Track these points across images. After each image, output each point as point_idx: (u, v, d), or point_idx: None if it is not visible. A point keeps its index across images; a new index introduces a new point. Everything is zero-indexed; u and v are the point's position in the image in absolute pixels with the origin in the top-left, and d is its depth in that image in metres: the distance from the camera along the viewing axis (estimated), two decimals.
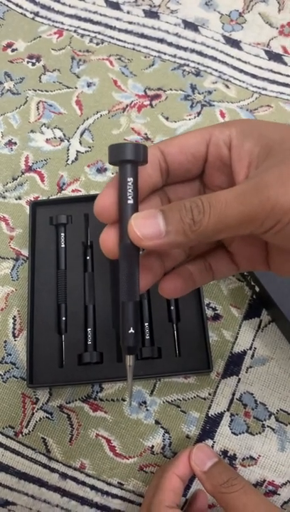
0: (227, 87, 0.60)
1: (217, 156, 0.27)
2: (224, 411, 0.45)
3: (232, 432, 0.44)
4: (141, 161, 0.25)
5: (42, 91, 0.60)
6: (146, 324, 0.46)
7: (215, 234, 0.23)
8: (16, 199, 0.54)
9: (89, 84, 0.61)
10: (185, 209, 0.23)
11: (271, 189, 0.22)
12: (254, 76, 0.61)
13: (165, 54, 0.62)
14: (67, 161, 0.56)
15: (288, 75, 0.60)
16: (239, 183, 0.26)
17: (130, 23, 0.64)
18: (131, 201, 0.25)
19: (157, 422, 0.45)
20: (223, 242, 0.30)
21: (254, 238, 0.27)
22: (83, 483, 0.44)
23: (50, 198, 0.54)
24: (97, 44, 0.63)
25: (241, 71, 0.61)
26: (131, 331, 0.26)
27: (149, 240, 0.23)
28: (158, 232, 0.23)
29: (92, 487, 0.44)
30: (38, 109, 0.59)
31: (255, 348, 0.47)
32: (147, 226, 0.23)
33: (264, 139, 0.25)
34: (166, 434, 0.45)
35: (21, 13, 0.66)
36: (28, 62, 0.63)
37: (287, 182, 0.22)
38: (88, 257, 0.49)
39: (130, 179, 0.25)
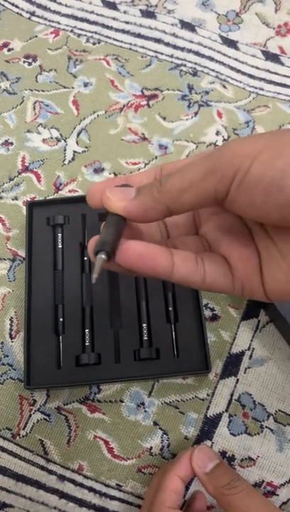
0: (224, 87, 0.60)
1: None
2: (223, 412, 0.45)
3: (230, 433, 0.44)
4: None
5: (38, 91, 0.60)
6: (144, 325, 0.46)
7: (181, 193, 0.23)
8: (13, 199, 0.54)
9: (85, 84, 0.60)
10: (155, 180, 0.24)
11: (232, 142, 0.23)
12: (251, 76, 0.61)
13: (162, 54, 0.62)
14: (63, 161, 0.56)
15: (285, 75, 0.60)
16: None
17: (127, 22, 0.64)
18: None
19: (155, 423, 0.45)
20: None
21: (245, 238, 0.26)
22: (81, 485, 0.44)
23: (47, 198, 0.54)
24: (94, 44, 0.63)
25: (238, 71, 0.61)
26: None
27: (119, 201, 0.24)
28: (128, 195, 0.24)
29: (90, 489, 0.43)
30: (34, 109, 0.59)
31: (253, 349, 0.47)
32: (118, 191, 0.25)
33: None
34: (165, 436, 0.44)
35: (17, 13, 0.66)
36: (24, 61, 0.62)
37: (249, 137, 0.23)
38: (85, 258, 0.49)
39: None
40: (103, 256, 0.23)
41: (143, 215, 0.24)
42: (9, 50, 0.63)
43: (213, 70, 0.61)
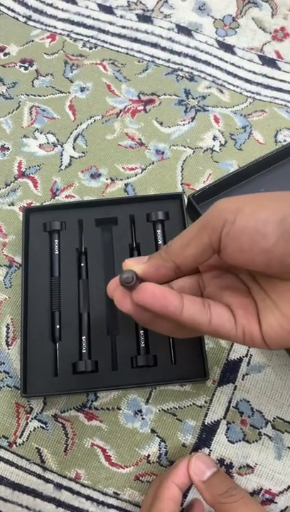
0: (221, 92, 0.60)
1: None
2: (221, 419, 0.45)
3: (228, 440, 0.44)
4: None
5: (35, 96, 0.60)
6: (142, 332, 0.45)
7: (183, 249, 0.28)
8: (9, 205, 0.54)
9: (82, 89, 0.60)
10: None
11: (218, 201, 0.27)
12: (247, 81, 0.60)
13: (158, 59, 0.62)
14: (60, 166, 0.56)
15: (281, 80, 0.60)
16: None
17: (123, 27, 0.64)
18: None
19: (153, 431, 0.44)
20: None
21: (243, 292, 0.30)
22: (78, 494, 0.43)
23: (44, 204, 0.53)
24: (90, 48, 0.63)
25: (235, 76, 0.61)
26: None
27: (136, 264, 0.30)
28: (142, 260, 0.31)
29: (88, 497, 0.43)
30: (30, 114, 0.59)
31: (251, 355, 0.47)
32: (135, 259, 0.32)
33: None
34: (162, 443, 0.44)
35: (13, 17, 0.66)
36: (20, 66, 0.62)
37: (232, 197, 0.28)
38: (82, 264, 0.49)
39: None
40: (129, 275, 0.28)
41: (155, 271, 0.30)
42: (5, 54, 0.63)
43: (210, 75, 0.61)
